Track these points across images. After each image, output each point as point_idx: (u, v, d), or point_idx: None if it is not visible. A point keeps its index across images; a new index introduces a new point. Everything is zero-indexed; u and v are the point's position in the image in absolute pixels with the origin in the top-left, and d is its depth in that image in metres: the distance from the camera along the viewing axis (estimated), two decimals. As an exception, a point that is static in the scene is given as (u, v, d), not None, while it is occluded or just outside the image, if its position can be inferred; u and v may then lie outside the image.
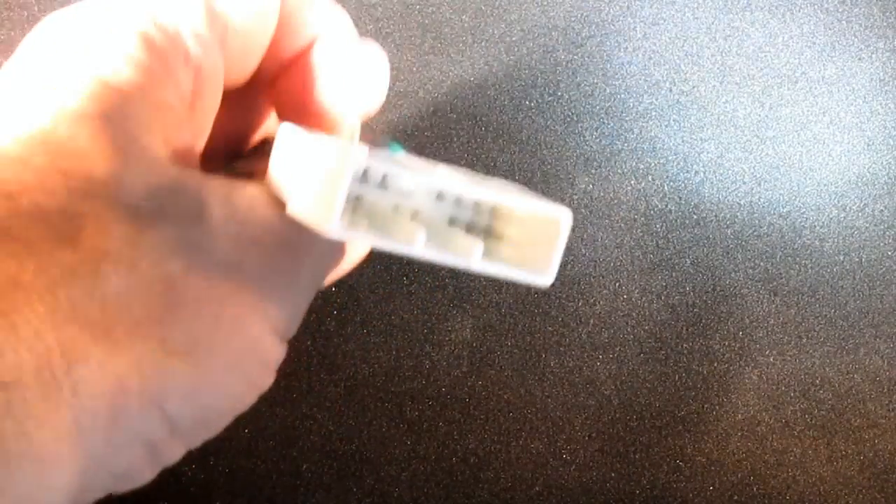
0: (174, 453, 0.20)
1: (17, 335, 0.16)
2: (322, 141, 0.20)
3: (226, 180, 0.21)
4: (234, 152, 0.27)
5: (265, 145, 0.27)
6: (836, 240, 0.40)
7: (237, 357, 0.20)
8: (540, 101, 0.40)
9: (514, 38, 0.41)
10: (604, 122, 0.40)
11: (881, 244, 0.40)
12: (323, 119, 0.25)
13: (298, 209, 0.20)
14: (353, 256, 0.26)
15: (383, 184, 0.20)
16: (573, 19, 0.41)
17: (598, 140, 0.40)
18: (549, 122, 0.40)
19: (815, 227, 0.40)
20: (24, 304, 0.17)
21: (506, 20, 0.41)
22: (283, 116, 0.26)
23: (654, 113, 0.40)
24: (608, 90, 0.41)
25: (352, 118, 0.26)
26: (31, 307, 0.17)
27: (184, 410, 0.19)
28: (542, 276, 0.20)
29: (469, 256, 0.19)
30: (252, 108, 0.27)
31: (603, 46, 0.41)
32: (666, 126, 0.40)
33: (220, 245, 0.20)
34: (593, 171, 0.39)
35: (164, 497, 0.37)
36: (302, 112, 0.26)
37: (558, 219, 0.19)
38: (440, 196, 0.20)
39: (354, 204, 0.20)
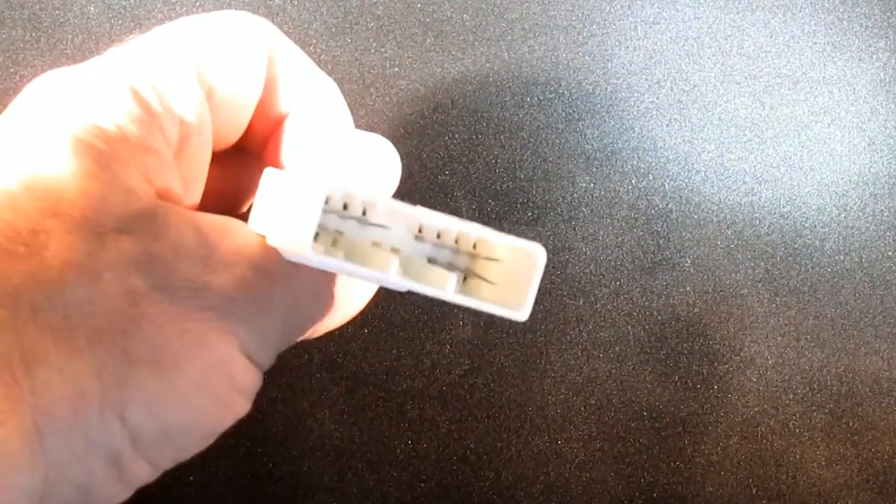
0: (139, 469, 0.20)
1: None
2: (300, 174, 0.21)
3: (200, 213, 0.22)
4: (230, 214, 0.28)
5: None
6: (836, 240, 0.40)
7: (203, 373, 0.20)
8: (541, 98, 0.40)
9: (515, 37, 0.41)
10: (605, 121, 0.40)
11: (882, 244, 0.40)
12: None
13: (276, 238, 0.20)
14: (347, 310, 0.26)
15: (363, 219, 0.20)
16: (574, 18, 0.41)
17: (599, 139, 0.40)
18: (550, 121, 0.40)
19: (815, 227, 0.40)
20: None
21: (507, 18, 0.41)
22: None
23: (655, 112, 0.40)
24: (609, 89, 0.41)
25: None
26: None
27: (146, 421, 0.19)
28: (518, 311, 0.20)
29: (444, 288, 0.20)
30: (246, 171, 0.28)
31: (604, 45, 0.41)
32: (667, 125, 0.40)
33: (186, 265, 0.20)
34: (594, 169, 0.39)
35: (165, 499, 0.37)
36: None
37: (533, 252, 0.20)
38: (420, 234, 0.21)
39: (334, 237, 0.20)
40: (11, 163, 0.20)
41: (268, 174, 0.23)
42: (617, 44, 0.41)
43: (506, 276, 0.21)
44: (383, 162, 0.26)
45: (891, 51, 0.42)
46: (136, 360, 0.19)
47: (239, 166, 0.27)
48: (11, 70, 0.39)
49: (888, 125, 0.41)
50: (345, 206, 0.20)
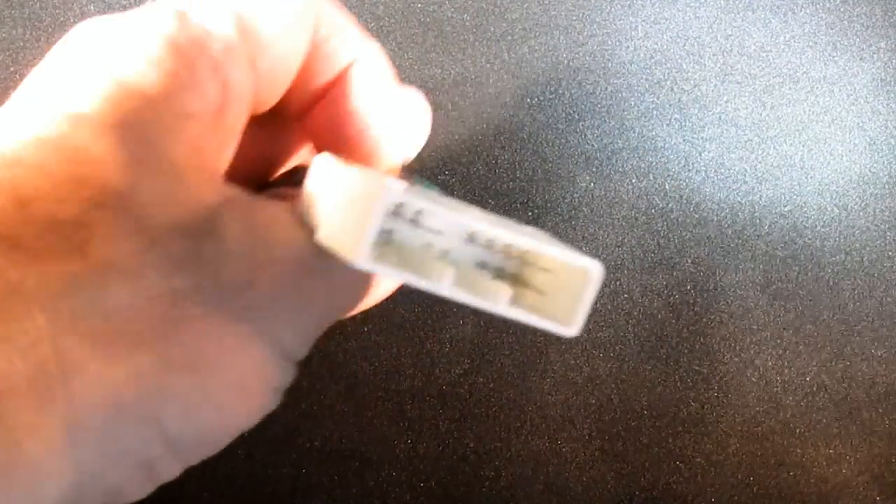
0: (171, 471, 0.19)
1: (13, 344, 0.16)
2: (358, 173, 0.20)
3: (246, 196, 0.21)
4: (260, 180, 0.27)
5: (295, 174, 0.27)
6: (836, 239, 0.40)
7: (240, 377, 0.19)
8: (541, 98, 0.40)
9: (515, 37, 0.41)
10: (605, 121, 0.40)
11: (882, 244, 0.40)
12: (362, 155, 0.25)
13: (327, 238, 0.20)
14: (380, 292, 0.26)
15: (415, 221, 0.20)
16: (575, 18, 0.41)
17: (599, 138, 0.40)
18: (550, 121, 0.40)
19: (815, 226, 0.40)
20: (24, 314, 0.16)
21: (507, 19, 0.41)
22: (319, 148, 0.26)
23: (655, 112, 0.40)
24: (609, 89, 0.41)
25: (392, 157, 0.26)
26: (31, 316, 0.16)
27: (182, 427, 0.19)
28: (568, 327, 0.20)
29: (496, 301, 0.19)
30: (280, 137, 0.27)
31: (604, 45, 0.41)
32: (667, 125, 0.40)
33: (232, 262, 0.19)
34: (594, 169, 0.39)
35: (164, 499, 0.37)
36: (339, 146, 0.25)
37: (588, 270, 0.19)
38: (471, 238, 0.20)
39: (385, 237, 0.19)
40: (47, 133, 0.19)
41: (321, 162, 0.22)
42: (617, 44, 0.41)
43: (557, 287, 0.20)
44: (419, 119, 0.26)
45: (891, 50, 0.42)
46: (175, 366, 0.18)
47: (273, 131, 0.26)
48: (11, 69, 0.39)
49: (889, 125, 0.41)
50: (398, 208, 0.19)
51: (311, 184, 0.22)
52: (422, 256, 0.20)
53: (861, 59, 0.41)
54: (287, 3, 0.23)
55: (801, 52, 0.41)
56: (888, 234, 0.40)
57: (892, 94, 0.41)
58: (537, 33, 0.41)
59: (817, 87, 0.41)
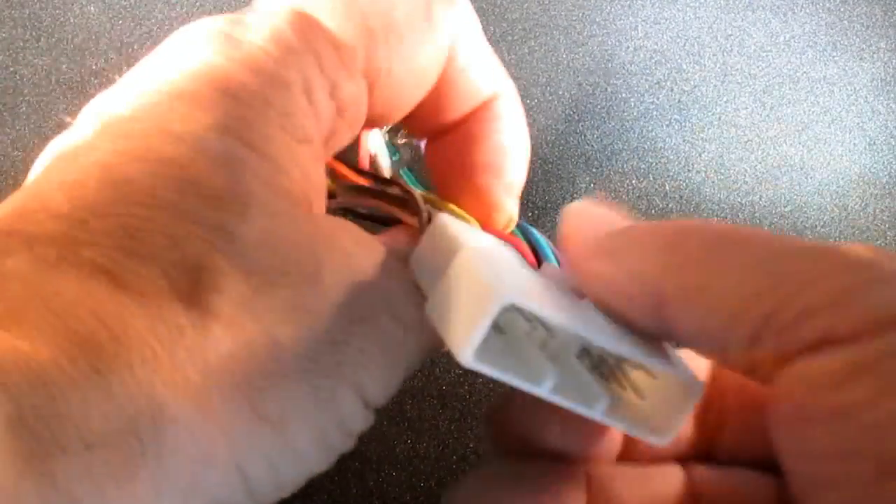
0: None
1: (110, 394, 0.15)
2: (477, 254, 0.19)
3: (351, 235, 0.20)
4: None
5: (386, 201, 0.25)
6: (837, 239, 0.40)
7: (324, 429, 0.19)
8: (541, 99, 0.40)
9: (515, 37, 0.41)
10: (605, 122, 0.40)
11: (883, 244, 0.40)
12: (480, 199, 0.24)
13: (435, 315, 0.19)
14: None
15: (528, 319, 0.19)
16: (574, 18, 0.41)
17: (598, 139, 0.40)
18: (549, 122, 0.40)
19: (816, 226, 0.40)
20: (123, 364, 0.16)
21: (507, 19, 0.41)
22: (435, 178, 0.25)
23: (655, 112, 0.40)
24: (609, 89, 0.41)
25: (511, 205, 0.24)
26: (130, 367, 0.16)
27: (264, 476, 0.18)
28: (663, 438, 0.19)
29: (592, 409, 0.19)
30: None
31: (604, 46, 0.41)
32: (667, 125, 0.40)
33: (334, 315, 0.18)
34: (594, 170, 0.39)
35: None
36: (457, 182, 0.24)
37: (693, 386, 0.19)
38: (584, 351, 0.19)
39: (492, 331, 0.18)
40: (163, 154, 0.17)
41: (443, 222, 0.21)
42: (617, 44, 0.41)
43: (658, 394, 0.20)
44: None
45: (891, 51, 0.42)
46: (265, 419, 0.17)
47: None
48: (11, 69, 0.39)
49: (889, 125, 0.41)
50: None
51: (428, 241, 0.21)
52: (526, 352, 0.19)
53: (861, 59, 0.41)
54: (417, 28, 0.21)
55: (800, 52, 0.41)
56: (888, 233, 0.40)
57: (892, 95, 0.41)
58: (537, 34, 0.41)
59: (817, 88, 0.41)
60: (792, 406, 0.16)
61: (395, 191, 0.24)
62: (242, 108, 0.18)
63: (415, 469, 0.37)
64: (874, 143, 0.41)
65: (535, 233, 0.25)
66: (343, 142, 0.21)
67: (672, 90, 0.41)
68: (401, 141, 0.28)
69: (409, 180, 0.28)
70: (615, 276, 0.18)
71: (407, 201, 0.23)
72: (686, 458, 0.21)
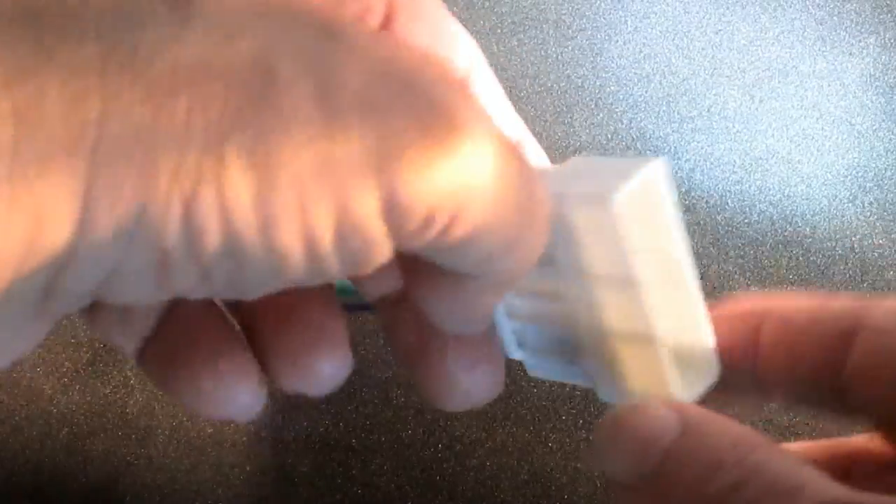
0: (187, 276, 0.15)
1: (54, 68, 0.14)
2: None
3: None
4: None
5: None
6: (826, 228, 0.40)
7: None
8: (530, 92, 0.40)
9: (504, 30, 0.41)
10: (594, 114, 0.40)
11: (871, 233, 0.40)
12: None
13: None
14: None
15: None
16: (564, 12, 0.41)
17: (588, 131, 0.40)
18: (539, 114, 0.40)
19: (805, 214, 0.39)
20: (76, 39, 0.14)
21: (497, 12, 0.41)
22: None
23: (644, 105, 0.40)
24: (598, 82, 0.41)
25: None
26: (83, 42, 0.14)
27: (210, 220, 0.14)
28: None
29: None
30: None
31: (594, 39, 0.41)
32: (656, 117, 0.40)
33: None
34: (582, 160, 0.40)
35: (154, 492, 0.37)
36: None
37: None
38: None
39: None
40: None
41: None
42: (607, 38, 0.41)
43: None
44: None
45: (880, 46, 0.42)
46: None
47: None
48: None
49: (877, 119, 0.41)
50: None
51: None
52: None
53: (850, 54, 0.42)
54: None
55: (790, 46, 0.41)
56: (877, 224, 0.39)
57: (881, 90, 0.41)
58: (527, 27, 0.41)
59: (806, 82, 0.41)
60: None
61: None
62: None
63: (400, 457, 0.37)
64: (863, 136, 0.41)
65: None
66: None
67: (661, 83, 0.41)
68: None
69: None
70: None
71: None
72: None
